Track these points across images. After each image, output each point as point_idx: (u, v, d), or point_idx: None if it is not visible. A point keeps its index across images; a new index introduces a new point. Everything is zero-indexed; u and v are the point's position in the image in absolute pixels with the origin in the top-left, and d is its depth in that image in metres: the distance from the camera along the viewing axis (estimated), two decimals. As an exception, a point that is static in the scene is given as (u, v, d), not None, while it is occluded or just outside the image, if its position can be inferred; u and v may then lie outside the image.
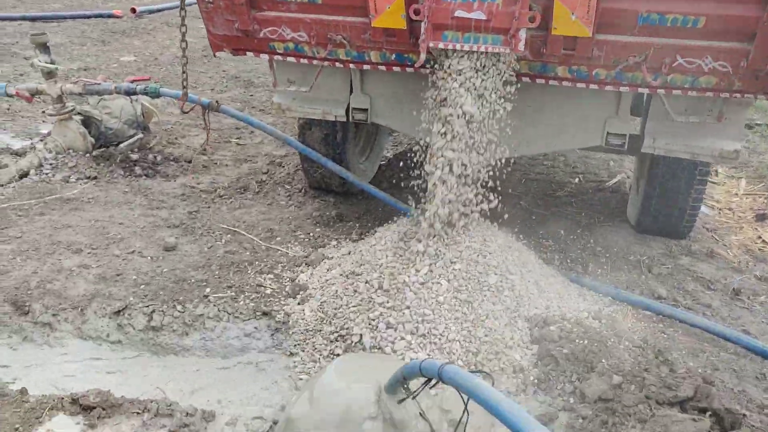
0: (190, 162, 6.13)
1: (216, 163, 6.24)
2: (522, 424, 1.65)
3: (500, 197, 3.90)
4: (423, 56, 3.53)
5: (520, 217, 5.13)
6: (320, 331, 3.55)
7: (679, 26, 3.34)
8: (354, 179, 5.08)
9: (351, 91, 4.55)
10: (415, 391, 2.38)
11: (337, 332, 3.50)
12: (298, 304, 3.81)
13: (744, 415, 2.83)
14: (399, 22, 3.61)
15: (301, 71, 4.48)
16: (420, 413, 2.58)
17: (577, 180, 6.08)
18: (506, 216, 4.13)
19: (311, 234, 4.79)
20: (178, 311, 3.76)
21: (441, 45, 3.53)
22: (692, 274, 4.38)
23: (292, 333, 3.60)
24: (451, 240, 3.76)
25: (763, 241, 4.99)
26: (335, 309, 3.63)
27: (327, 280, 3.90)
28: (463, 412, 2.12)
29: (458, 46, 3.51)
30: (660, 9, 3.31)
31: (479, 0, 3.36)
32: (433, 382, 2.22)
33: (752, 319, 3.94)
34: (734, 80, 3.49)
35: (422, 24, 3.48)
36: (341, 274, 3.89)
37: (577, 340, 3.36)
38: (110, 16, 12.54)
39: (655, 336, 3.64)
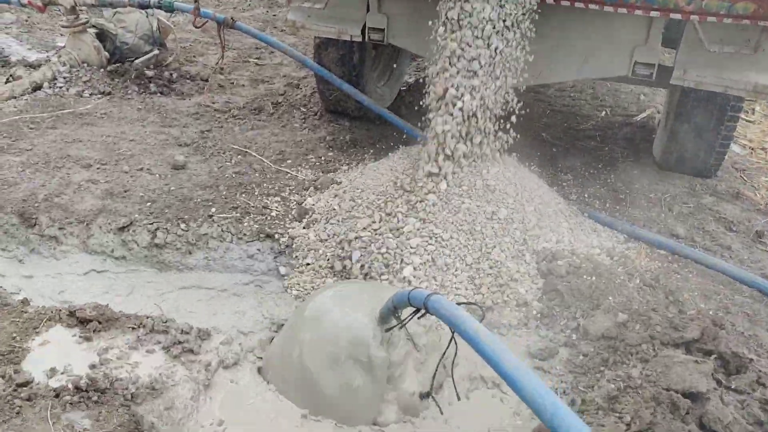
0: (206, 81, 6.01)
1: (232, 83, 6.10)
2: (499, 356, 1.57)
3: (520, 128, 3.73)
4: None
5: (540, 150, 4.95)
6: (323, 255, 3.49)
7: (718, -56, 3.08)
8: (369, 103, 4.92)
9: (368, 10, 4.34)
10: (403, 320, 2.32)
11: (339, 257, 3.44)
12: (303, 228, 3.75)
13: (751, 359, 2.73)
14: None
15: (315, -15, 4.28)
16: (408, 338, 2.54)
17: (603, 113, 5.84)
18: (525, 147, 3.97)
19: (323, 158, 4.69)
20: (182, 230, 3.73)
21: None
22: (714, 214, 4.20)
23: (295, 256, 3.54)
24: (462, 167, 3.62)
25: (795, 184, 4.76)
26: (338, 234, 3.56)
27: (332, 205, 3.82)
28: (449, 342, 2.06)
29: (477, -39, 3.28)
30: (697, -76, 3.04)
31: None
32: (422, 312, 2.15)
33: (773, 263, 3.78)
34: (775, 7, 3.23)
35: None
36: (348, 199, 3.80)
37: (585, 276, 3.26)
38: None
39: (667, 276, 3.51)
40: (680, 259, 3.70)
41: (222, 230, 3.74)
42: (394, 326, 2.42)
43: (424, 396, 2.59)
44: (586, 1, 3.56)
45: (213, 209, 3.91)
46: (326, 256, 3.50)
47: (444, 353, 2.20)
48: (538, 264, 3.38)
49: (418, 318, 2.23)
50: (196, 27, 4.93)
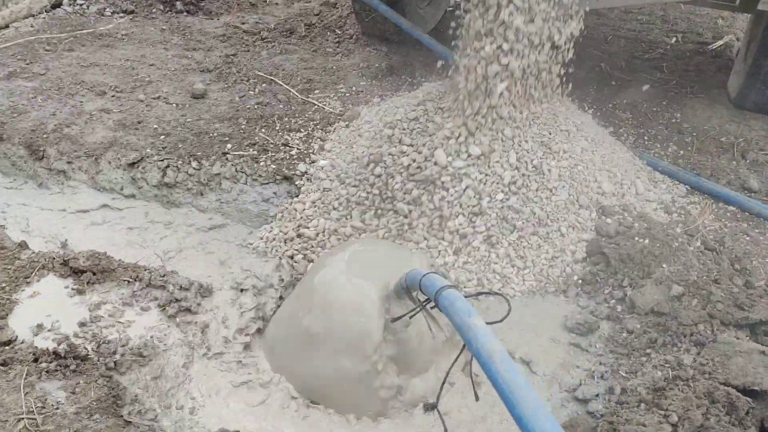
0: (238, -1, 5.59)
1: (266, 1, 5.67)
2: (516, 397, 1.23)
3: (577, 57, 3.21)
4: None
5: (597, 82, 4.42)
6: (334, 206, 3.14)
7: None
8: (407, 26, 4.45)
9: None
10: (411, 311, 1.98)
11: (347, 213, 3.09)
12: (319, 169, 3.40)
13: (829, 350, 2.31)
14: None
15: None
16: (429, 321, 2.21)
17: (674, 40, 5.19)
18: (579, 81, 3.46)
19: (354, 88, 4.28)
20: (194, 168, 3.44)
21: None
22: (795, 163, 3.67)
23: (308, 205, 3.22)
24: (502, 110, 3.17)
25: None
26: (349, 189, 3.20)
27: (349, 147, 3.44)
28: (460, 350, 1.72)
29: None
30: None
31: None
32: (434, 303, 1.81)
33: None
34: None
35: None
36: (369, 138, 3.41)
37: (636, 238, 2.84)
38: None
39: (735, 238, 3.05)
40: (751, 217, 3.22)
41: (236, 170, 3.43)
42: (404, 316, 2.09)
43: (429, 409, 2.28)
44: None
45: (229, 145, 3.60)
46: (338, 210, 3.14)
47: (455, 359, 1.88)
48: (585, 221, 2.97)
49: (431, 308, 1.90)
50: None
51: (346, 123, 3.75)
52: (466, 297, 1.76)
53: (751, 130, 3.94)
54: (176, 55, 4.60)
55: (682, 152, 3.77)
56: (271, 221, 3.27)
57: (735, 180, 3.52)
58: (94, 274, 2.69)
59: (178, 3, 5.29)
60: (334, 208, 3.17)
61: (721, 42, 5.05)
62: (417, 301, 2.07)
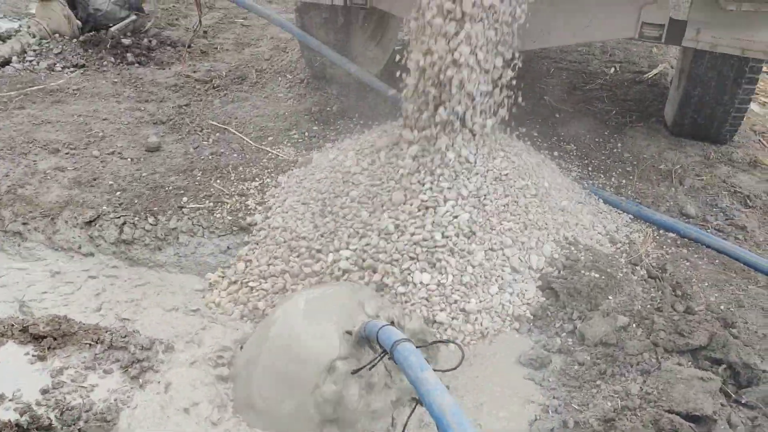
0: (189, 47, 5.66)
1: (216, 48, 5.76)
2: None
3: (520, 90, 3.36)
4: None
5: (542, 116, 4.60)
6: (290, 251, 3.21)
7: None
8: (356, 70, 4.57)
9: (347, -30, 3.97)
10: (369, 363, 2.06)
11: (301, 259, 3.16)
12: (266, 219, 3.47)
13: (764, 370, 2.46)
14: None
15: (292, -54, 3.90)
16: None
17: (612, 70, 5.43)
18: (525, 114, 3.60)
19: (306, 133, 4.37)
20: (150, 224, 3.47)
21: None
22: (729, 187, 3.86)
23: (264, 253, 3.27)
24: (447, 144, 3.28)
25: (819, 147, 4.39)
26: (302, 230, 3.27)
27: (293, 197, 3.51)
28: (413, 407, 1.80)
29: None
30: None
31: None
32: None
33: (792, 244, 3.46)
34: (802, -41, 2.83)
35: None
36: (318, 185, 3.49)
37: (583, 271, 2.97)
38: None
39: (676, 264, 3.22)
40: (691, 243, 3.39)
41: (193, 224, 3.47)
42: (363, 368, 2.16)
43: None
44: (586, -42, 3.17)
45: (185, 198, 3.65)
46: (292, 255, 3.21)
47: (409, 415, 1.95)
48: (537, 256, 3.09)
49: (388, 359, 1.97)
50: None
51: (296, 170, 3.83)
52: (420, 347, 1.85)
53: (687, 157, 4.15)
54: (129, 108, 4.64)
55: (624, 181, 3.95)
56: (226, 272, 3.32)
57: (674, 206, 3.70)
58: (55, 339, 2.70)
59: (128, 55, 5.34)
60: (284, 257, 3.22)
61: (655, 71, 5.30)
62: (376, 350, 2.15)
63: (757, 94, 4.82)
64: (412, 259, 2.94)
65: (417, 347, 1.90)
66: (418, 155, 3.22)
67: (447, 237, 2.98)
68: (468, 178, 3.20)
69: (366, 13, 4.91)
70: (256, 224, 3.45)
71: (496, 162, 3.34)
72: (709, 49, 3.50)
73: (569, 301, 2.86)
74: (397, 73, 3.36)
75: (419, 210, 3.06)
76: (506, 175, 3.30)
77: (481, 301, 2.85)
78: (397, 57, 3.36)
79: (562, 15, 3.67)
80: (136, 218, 3.51)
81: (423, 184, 3.14)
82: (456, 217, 3.03)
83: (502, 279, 2.92)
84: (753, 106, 4.71)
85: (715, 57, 3.74)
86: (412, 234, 2.99)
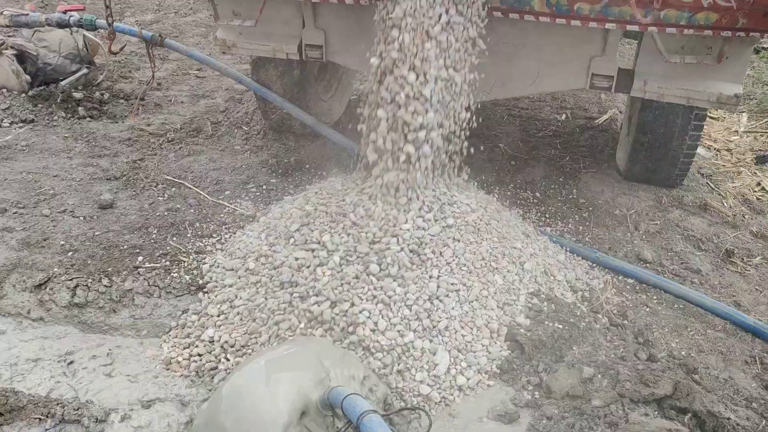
0: (142, 99, 5.59)
1: (170, 100, 5.70)
2: None
3: (476, 138, 3.40)
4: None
5: (498, 163, 4.67)
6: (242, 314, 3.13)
7: (676, -48, 2.80)
8: (313, 122, 4.58)
9: (303, 25, 3.99)
10: None
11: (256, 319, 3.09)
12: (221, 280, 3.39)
13: (728, 418, 2.48)
14: (346, -54, 3.06)
15: (246, 2, 3.92)
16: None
17: (564, 116, 5.56)
18: (482, 162, 3.64)
19: (264, 186, 4.34)
20: (105, 286, 3.36)
21: (390, -24, 2.98)
22: (682, 231, 3.96)
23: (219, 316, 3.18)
24: (404, 198, 3.29)
25: (763, 188, 4.54)
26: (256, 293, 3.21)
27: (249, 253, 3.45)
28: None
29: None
30: (653, -69, 2.76)
31: None
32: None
33: (745, 286, 3.54)
34: (738, 17, 2.96)
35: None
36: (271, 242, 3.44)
37: (546, 322, 2.98)
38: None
39: (636, 310, 3.26)
40: (649, 288, 3.45)
41: (149, 284, 3.38)
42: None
43: None
44: (536, 13, 3.26)
45: (140, 258, 3.55)
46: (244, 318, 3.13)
47: None
48: (501, 309, 3.08)
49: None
50: (112, 54, 4.50)
51: (249, 226, 3.77)
52: (386, 414, 1.80)
53: (640, 201, 4.24)
54: (81, 164, 4.53)
55: (581, 227, 4.01)
56: (184, 334, 3.21)
57: (631, 252, 3.76)
58: (2, 414, 2.57)
59: (80, 109, 5.25)
60: (241, 316, 3.14)
61: (605, 116, 5.45)
62: (341, 418, 2.09)
63: (703, 137, 4.98)
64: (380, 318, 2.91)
65: (384, 415, 1.85)
66: (376, 204, 3.23)
67: (403, 289, 2.96)
68: (427, 230, 3.20)
69: (321, 64, 4.96)
70: (209, 283, 3.37)
71: (454, 210, 3.36)
72: (657, 99, 3.62)
73: (534, 353, 2.85)
74: (357, 126, 3.38)
75: (380, 269, 3.04)
76: (466, 224, 3.31)
77: (451, 359, 2.81)
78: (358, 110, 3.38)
79: (515, 68, 3.75)
80: (90, 280, 3.39)
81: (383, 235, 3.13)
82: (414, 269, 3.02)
83: (469, 334, 2.89)
84: (699, 149, 4.86)
85: (663, 105, 3.87)
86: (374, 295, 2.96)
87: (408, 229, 3.14)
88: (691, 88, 3.50)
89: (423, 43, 3.10)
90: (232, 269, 3.40)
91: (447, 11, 3.11)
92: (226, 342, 3.02)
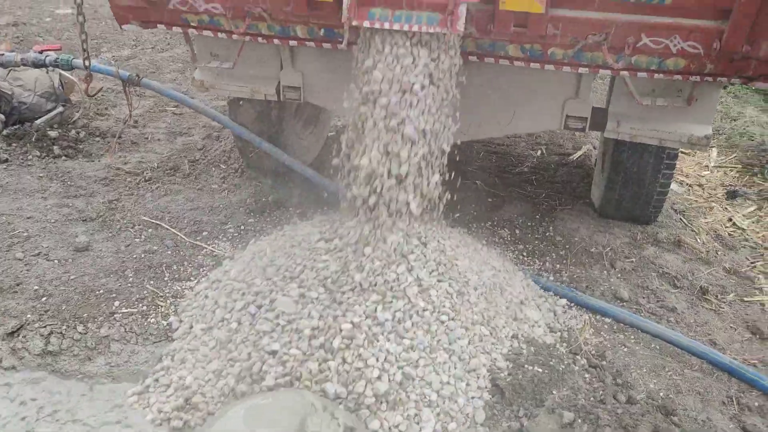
0: (119, 137, 5.56)
1: (147, 138, 5.68)
2: None
3: (454, 175, 3.43)
4: (346, 36, 3.04)
5: (475, 201, 4.70)
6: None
7: (643, 1, 2.89)
8: (291, 162, 4.59)
9: (281, 67, 4.02)
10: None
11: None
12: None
13: (707, 462, 2.50)
14: (324, -7, 3.11)
15: (224, 44, 3.94)
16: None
17: (539, 152, 5.64)
18: (459, 200, 3.66)
19: (242, 227, 4.32)
20: (80, 332, 3.31)
21: (367, 24, 3.03)
22: (657, 268, 4.01)
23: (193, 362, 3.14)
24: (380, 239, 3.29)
25: (734, 224, 4.63)
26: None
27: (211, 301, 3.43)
28: None
29: (387, 25, 3.01)
30: (623, -18, 2.84)
31: (411, -31, 2.86)
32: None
33: (719, 324, 3.59)
34: (706, 62, 3.05)
35: (344, -3, 2.99)
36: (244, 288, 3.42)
37: (526, 366, 2.98)
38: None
39: (614, 350, 3.28)
40: (626, 327, 3.48)
41: (126, 330, 3.34)
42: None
43: None
44: (510, 58, 3.32)
45: (116, 303, 3.51)
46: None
47: None
48: (484, 353, 3.08)
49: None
50: (89, 96, 4.49)
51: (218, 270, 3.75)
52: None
53: (616, 239, 4.30)
54: (56, 205, 4.48)
55: (558, 266, 4.04)
56: (160, 380, 3.16)
57: (608, 290, 3.79)
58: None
59: (55, 147, 5.20)
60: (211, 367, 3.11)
61: (580, 153, 5.54)
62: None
63: (675, 173, 5.08)
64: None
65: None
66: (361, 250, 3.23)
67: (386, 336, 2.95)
68: (410, 271, 3.21)
69: (299, 103, 4.98)
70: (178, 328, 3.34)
71: (434, 252, 3.37)
72: (629, 139, 3.69)
73: (515, 398, 2.85)
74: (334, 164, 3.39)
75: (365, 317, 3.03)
76: (446, 266, 3.32)
77: (435, 408, 2.79)
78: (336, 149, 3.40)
79: (491, 110, 3.82)
80: (64, 327, 3.34)
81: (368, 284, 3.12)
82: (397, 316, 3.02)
83: (451, 382, 2.88)
84: (672, 185, 4.95)
85: (636, 144, 3.94)
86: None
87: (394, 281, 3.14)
88: (663, 130, 3.59)
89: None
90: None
91: (422, 85, 3.15)
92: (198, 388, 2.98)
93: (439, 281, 3.22)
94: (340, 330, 2.95)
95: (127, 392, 3.08)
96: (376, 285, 3.11)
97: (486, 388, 2.93)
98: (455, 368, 2.93)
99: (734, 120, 6.36)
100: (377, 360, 2.86)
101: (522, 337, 3.17)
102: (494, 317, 3.19)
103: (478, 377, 2.93)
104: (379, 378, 2.81)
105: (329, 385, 2.78)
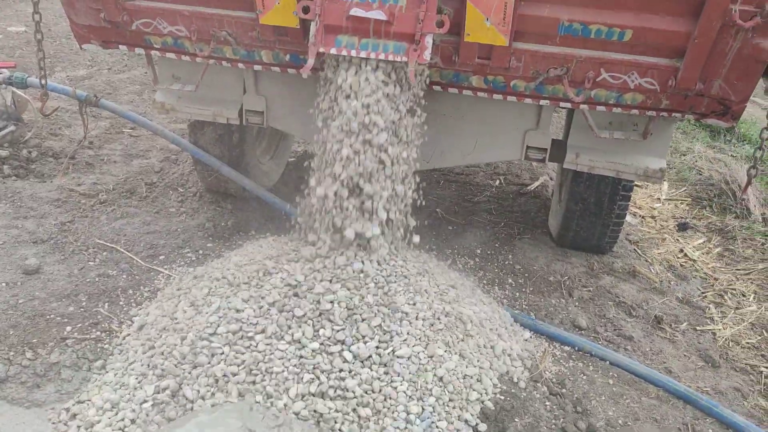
0: (72, 158, 5.43)
1: (103, 160, 5.56)
2: None
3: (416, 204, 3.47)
4: (311, 62, 3.05)
5: (436, 229, 4.73)
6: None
7: (603, 38, 2.99)
8: (251, 186, 4.55)
9: (244, 91, 4.01)
10: None
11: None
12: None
13: (667, 489, 2.53)
14: (291, 20, 3.13)
15: (187, 67, 3.91)
16: None
17: (498, 182, 5.72)
18: (422, 228, 3.68)
19: (200, 251, 4.25)
20: (29, 359, 3.18)
21: (333, 51, 3.05)
22: (614, 297, 4.09)
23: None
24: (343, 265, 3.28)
25: (685, 255, 4.76)
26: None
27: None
28: None
29: (353, 53, 3.03)
30: (583, 19, 2.94)
31: (380, -1, 2.89)
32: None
33: (674, 352, 3.67)
34: (662, 98, 3.16)
35: (312, 24, 3.00)
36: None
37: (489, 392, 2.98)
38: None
39: (574, 378, 3.31)
40: (585, 355, 3.52)
41: (78, 356, 3.22)
42: None
43: None
44: (473, 89, 3.38)
45: (68, 328, 3.39)
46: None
47: None
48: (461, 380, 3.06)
49: None
50: (44, 115, 4.38)
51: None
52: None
53: (573, 267, 4.37)
54: (4, 226, 4.33)
55: (518, 294, 4.08)
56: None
57: (566, 319, 3.85)
58: None
59: (5, 167, 5.04)
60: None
61: (537, 183, 5.64)
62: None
63: (630, 205, 5.21)
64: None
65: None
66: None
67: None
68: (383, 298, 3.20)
69: (260, 128, 4.96)
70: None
71: (401, 279, 3.37)
72: (587, 171, 3.78)
73: (479, 425, 2.84)
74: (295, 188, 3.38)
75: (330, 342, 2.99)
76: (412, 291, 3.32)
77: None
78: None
79: (453, 140, 3.86)
80: (12, 353, 3.20)
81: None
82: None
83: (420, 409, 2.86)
84: (627, 217, 5.08)
85: (593, 175, 4.03)
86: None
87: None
88: (620, 162, 3.68)
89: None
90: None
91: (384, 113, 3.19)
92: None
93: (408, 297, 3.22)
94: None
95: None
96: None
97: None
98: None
99: (683, 155, 6.58)
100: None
101: (485, 366, 3.17)
102: (461, 346, 3.19)
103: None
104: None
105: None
